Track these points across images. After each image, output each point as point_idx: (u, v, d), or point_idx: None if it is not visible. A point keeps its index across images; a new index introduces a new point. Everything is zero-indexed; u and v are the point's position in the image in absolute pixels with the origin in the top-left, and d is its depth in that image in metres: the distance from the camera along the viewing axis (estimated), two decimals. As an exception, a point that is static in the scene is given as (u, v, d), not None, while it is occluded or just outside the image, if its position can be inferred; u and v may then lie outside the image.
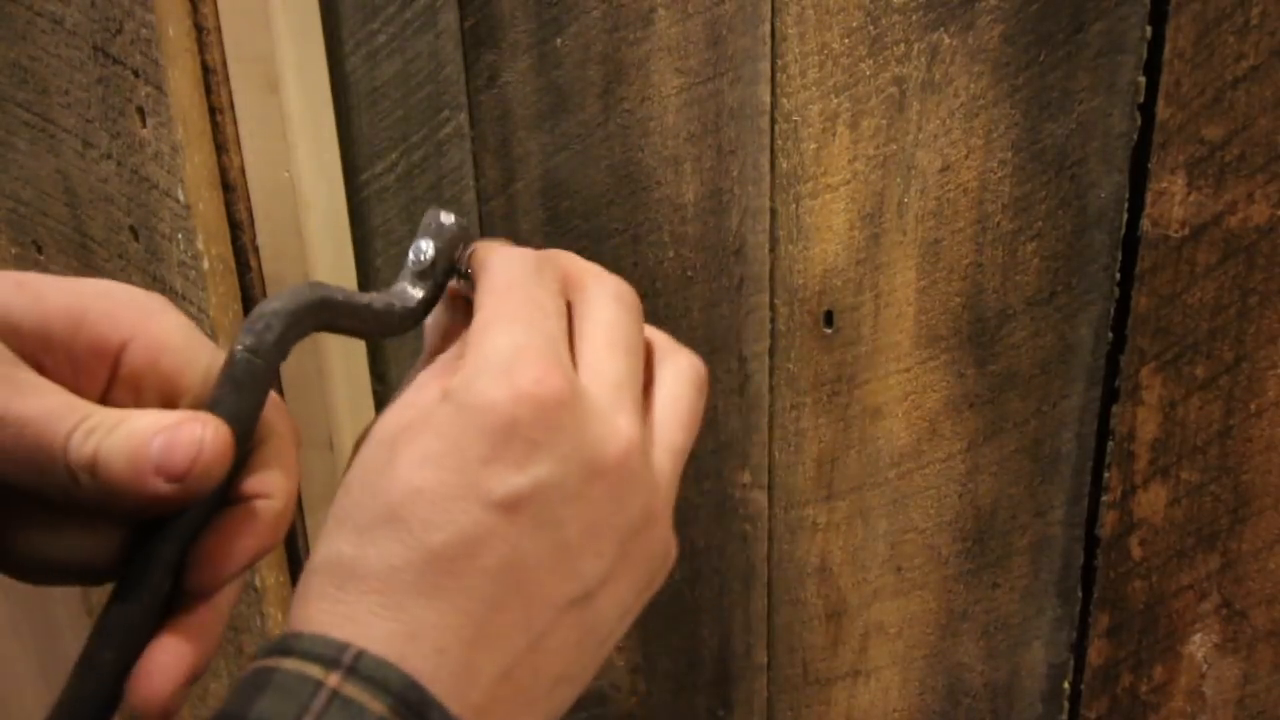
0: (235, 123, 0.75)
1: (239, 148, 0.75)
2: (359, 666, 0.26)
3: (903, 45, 0.63)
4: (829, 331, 0.71)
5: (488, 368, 0.30)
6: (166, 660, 0.27)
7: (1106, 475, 0.67)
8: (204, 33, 0.73)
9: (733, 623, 0.81)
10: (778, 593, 0.79)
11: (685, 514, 0.80)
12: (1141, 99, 0.60)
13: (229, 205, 0.76)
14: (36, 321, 0.27)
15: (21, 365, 0.26)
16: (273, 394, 0.30)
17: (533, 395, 0.29)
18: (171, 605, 0.28)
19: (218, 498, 0.27)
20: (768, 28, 0.65)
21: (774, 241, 0.70)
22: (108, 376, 0.29)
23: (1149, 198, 0.61)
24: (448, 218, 0.35)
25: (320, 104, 0.75)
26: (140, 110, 0.73)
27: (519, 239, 0.76)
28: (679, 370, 0.38)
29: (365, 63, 0.76)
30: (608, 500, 0.33)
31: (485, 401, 0.29)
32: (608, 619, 0.34)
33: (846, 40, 0.64)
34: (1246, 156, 0.58)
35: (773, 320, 0.72)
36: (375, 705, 0.25)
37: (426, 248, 0.35)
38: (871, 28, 0.63)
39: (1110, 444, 0.67)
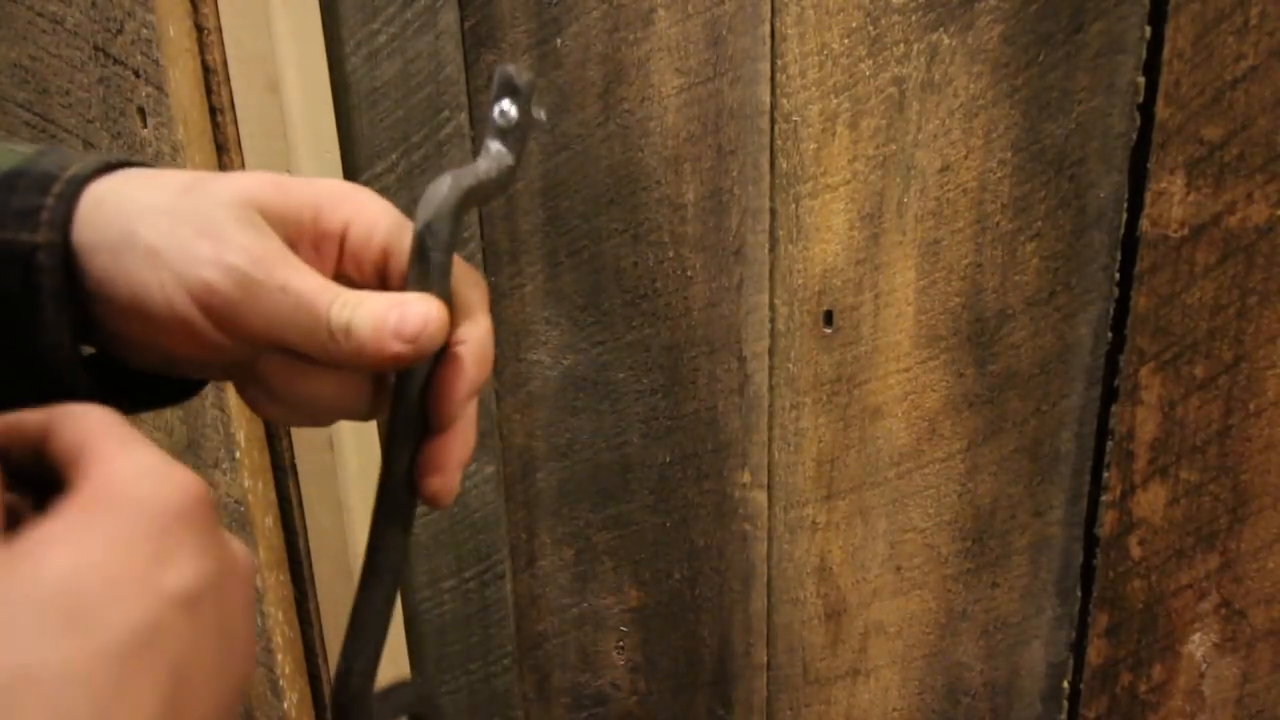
0: (236, 123, 0.75)
1: (239, 148, 0.75)
2: None
3: (902, 45, 0.63)
4: (829, 331, 0.71)
5: (136, 475, 0.28)
6: (438, 458, 0.36)
7: (1106, 475, 0.67)
8: (204, 33, 0.73)
9: (733, 622, 0.81)
10: (777, 592, 0.79)
11: (685, 514, 0.80)
12: (1141, 99, 0.60)
13: (229, 205, 0.76)
14: (290, 213, 0.35)
15: (289, 252, 0.34)
16: (457, 260, 0.37)
17: (192, 490, 0.28)
18: (426, 432, 0.37)
19: (439, 356, 0.36)
20: (768, 28, 0.65)
21: (774, 241, 0.70)
22: (338, 252, 0.37)
23: (1148, 198, 0.61)
24: (522, 74, 0.38)
25: (320, 104, 0.75)
26: (141, 110, 0.74)
27: (519, 239, 0.76)
28: None
29: (365, 63, 0.76)
30: (238, 594, 0.30)
31: (157, 504, 0.27)
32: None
33: (846, 40, 0.64)
34: (1245, 156, 0.59)
35: (773, 320, 0.72)
36: None
37: (509, 108, 0.38)
38: (871, 28, 0.63)
39: (1110, 444, 0.67)
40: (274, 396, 0.37)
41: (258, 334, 0.34)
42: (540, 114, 0.39)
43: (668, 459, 0.78)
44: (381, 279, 0.37)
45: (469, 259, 0.77)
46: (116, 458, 0.28)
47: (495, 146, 0.38)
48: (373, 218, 0.37)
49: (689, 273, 0.73)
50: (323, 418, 0.39)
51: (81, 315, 0.34)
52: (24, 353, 0.34)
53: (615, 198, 0.73)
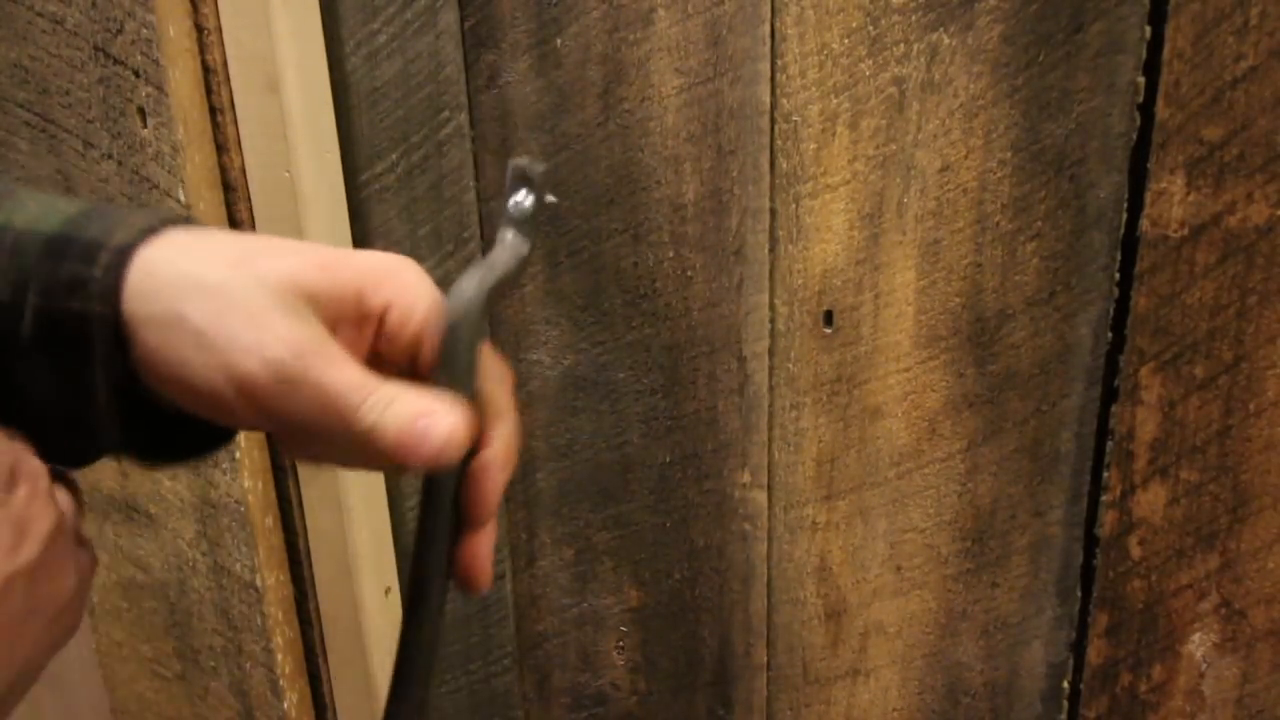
0: (236, 123, 0.75)
1: (239, 148, 0.75)
2: None
3: (902, 45, 0.63)
4: (829, 331, 0.71)
5: None
6: (477, 552, 0.38)
7: (1106, 475, 0.67)
8: (204, 33, 0.73)
9: (733, 622, 0.81)
10: (777, 592, 0.79)
11: (685, 514, 0.80)
12: (1141, 99, 0.60)
13: (229, 205, 0.77)
14: (335, 296, 0.35)
15: (329, 339, 0.35)
16: (486, 352, 0.38)
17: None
18: (460, 528, 0.39)
19: (469, 455, 0.37)
20: (768, 28, 0.65)
21: (774, 241, 0.70)
22: (375, 332, 0.37)
23: (1148, 198, 0.61)
24: (535, 166, 0.39)
25: (320, 104, 0.75)
26: (141, 110, 0.74)
27: (519, 239, 0.76)
28: None
29: (365, 63, 0.76)
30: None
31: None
32: None
33: (846, 40, 0.64)
34: (1245, 156, 0.59)
35: (773, 320, 0.72)
36: None
37: (525, 199, 0.39)
38: (871, 28, 0.63)
39: (1110, 444, 0.67)
40: (307, 454, 0.39)
41: (293, 421, 0.35)
42: (551, 198, 0.40)
43: (668, 459, 0.78)
44: (413, 358, 0.38)
45: (468, 259, 0.77)
46: None
47: (510, 236, 0.39)
48: (412, 299, 0.37)
49: (689, 273, 0.73)
50: (359, 467, 0.41)
51: (127, 379, 0.35)
52: (68, 408, 0.35)
53: (615, 198, 0.73)
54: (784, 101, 0.67)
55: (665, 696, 0.86)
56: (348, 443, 0.35)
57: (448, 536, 0.39)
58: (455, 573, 0.39)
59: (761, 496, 0.76)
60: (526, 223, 0.39)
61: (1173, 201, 0.61)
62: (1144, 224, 0.62)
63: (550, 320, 0.78)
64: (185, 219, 0.37)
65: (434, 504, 0.38)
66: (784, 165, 0.68)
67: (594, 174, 0.73)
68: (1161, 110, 0.59)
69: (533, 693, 0.92)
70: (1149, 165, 0.61)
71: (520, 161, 0.39)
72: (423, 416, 0.35)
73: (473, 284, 0.37)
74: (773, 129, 0.67)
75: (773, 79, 0.66)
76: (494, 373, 0.39)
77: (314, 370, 0.34)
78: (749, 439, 0.75)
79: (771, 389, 0.73)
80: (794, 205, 0.69)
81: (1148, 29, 0.59)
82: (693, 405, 0.76)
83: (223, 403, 0.34)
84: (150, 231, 0.35)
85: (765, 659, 0.81)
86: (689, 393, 0.76)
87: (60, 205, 0.36)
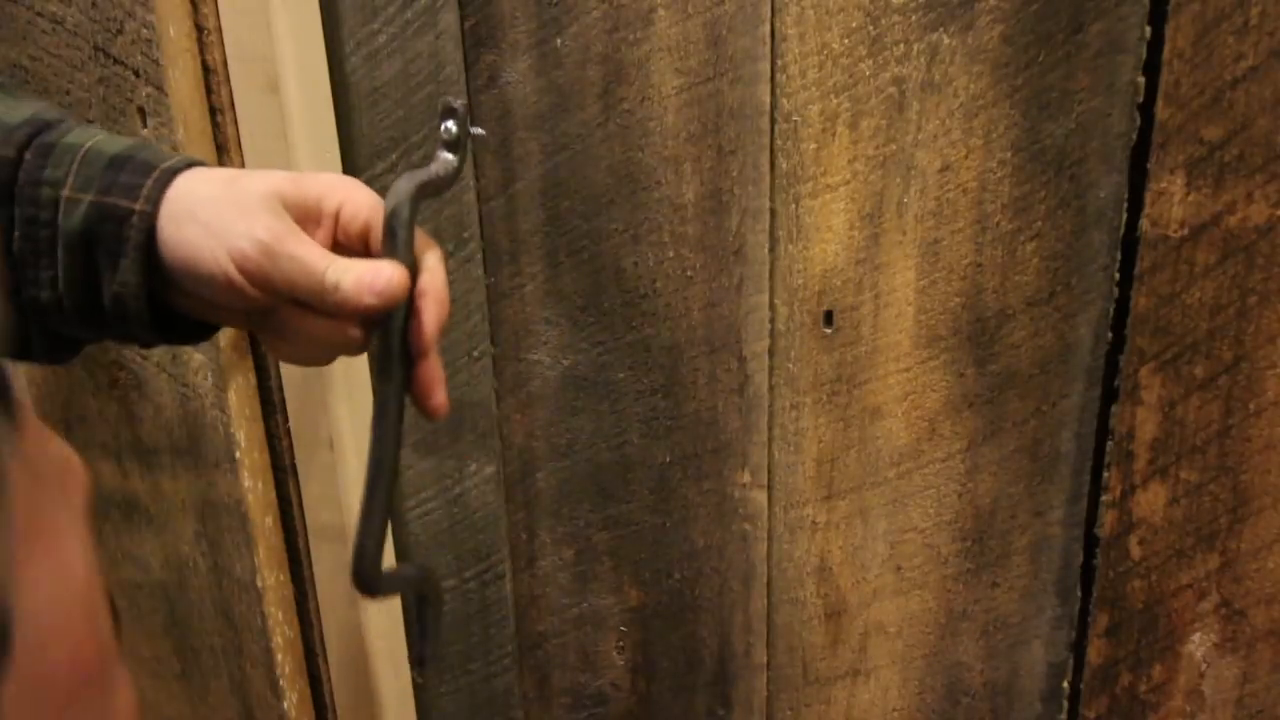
0: (235, 123, 0.75)
1: (239, 147, 0.75)
2: None
3: (902, 45, 0.63)
4: (829, 331, 0.71)
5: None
6: (429, 377, 0.50)
7: (1106, 475, 0.67)
8: (204, 33, 0.73)
9: (733, 622, 0.81)
10: (777, 592, 0.79)
11: (685, 514, 0.80)
12: (1141, 99, 0.60)
13: (229, 205, 0.76)
14: (302, 201, 0.48)
15: (298, 229, 0.48)
16: (419, 233, 0.50)
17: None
18: (410, 360, 0.50)
19: (409, 303, 0.49)
20: (768, 28, 0.65)
21: (774, 241, 0.70)
22: (334, 226, 0.50)
23: (1148, 198, 0.61)
24: (458, 102, 0.52)
25: (320, 104, 0.75)
26: (141, 110, 0.74)
27: (519, 239, 0.76)
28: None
29: (365, 63, 0.76)
30: None
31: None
32: None
33: (846, 40, 0.64)
34: (1245, 156, 0.59)
35: (773, 320, 0.72)
36: None
37: (452, 126, 0.52)
38: (871, 28, 0.63)
39: (1110, 444, 0.67)
40: (286, 338, 0.51)
41: (277, 288, 0.47)
42: (478, 130, 0.54)
43: (667, 459, 0.78)
44: (365, 246, 0.51)
45: (469, 259, 0.77)
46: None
47: (443, 155, 0.53)
48: (358, 202, 0.51)
49: (689, 273, 0.73)
50: (323, 356, 0.53)
51: (151, 267, 0.46)
52: (102, 292, 0.47)
53: (615, 198, 0.73)
54: (784, 101, 0.67)
55: (665, 696, 0.86)
56: (319, 302, 0.47)
57: (401, 371, 0.50)
58: (415, 398, 0.51)
59: (761, 496, 0.76)
60: (454, 145, 0.52)
61: (1173, 201, 0.61)
62: (1144, 224, 0.62)
63: (550, 320, 0.78)
64: (202, 161, 0.51)
65: (387, 346, 0.50)
66: (784, 165, 0.68)
67: (594, 174, 0.73)
68: (1161, 110, 0.59)
69: (533, 693, 0.92)
70: (1149, 165, 0.61)
71: (447, 99, 0.53)
72: (373, 269, 0.47)
73: (406, 182, 0.50)
74: (773, 129, 0.67)
75: (773, 79, 0.66)
76: (426, 246, 0.52)
77: (288, 245, 0.47)
78: (749, 439, 0.75)
79: (771, 389, 0.73)
80: (794, 205, 0.69)
81: (1148, 29, 0.59)
82: (693, 405, 0.76)
83: (224, 277, 0.45)
84: (187, 164, 0.49)
85: (765, 659, 0.81)
86: (689, 393, 0.76)
87: (120, 138, 0.50)
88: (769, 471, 0.76)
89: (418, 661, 0.64)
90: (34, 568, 0.27)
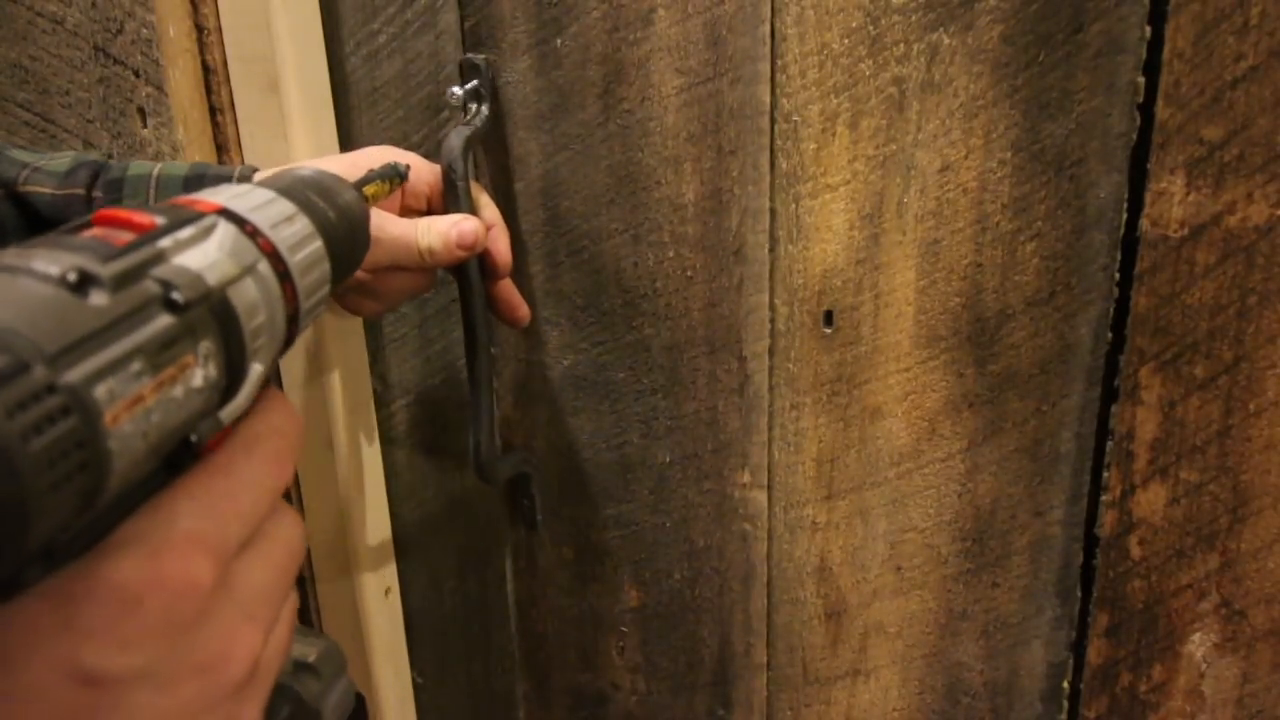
0: (235, 123, 0.75)
1: (239, 148, 0.75)
2: None
3: (902, 45, 0.63)
4: (829, 331, 0.71)
5: (137, 542, 0.28)
6: (509, 294, 0.70)
7: (1106, 475, 0.67)
8: (204, 33, 0.73)
9: (733, 622, 0.81)
10: (777, 592, 0.79)
11: (685, 514, 0.80)
12: (1141, 99, 0.60)
13: (229, 205, 0.76)
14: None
15: (382, 211, 0.61)
16: (472, 183, 0.66)
17: (169, 582, 0.28)
18: (490, 284, 0.69)
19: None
20: (768, 28, 0.65)
21: (774, 241, 0.70)
22: (402, 194, 0.64)
23: (1148, 198, 0.61)
24: (480, 58, 0.66)
25: (320, 104, 0.75)
26: (141, 110, 0.74)
27: (519, 239, 0.76)
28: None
29: (365, 63, 0.76)
30: (195, 701, 0.30)
31: (118, 578, 0.27)
32: None
33: (846, 40, 0.64)
34: (1245, 156, 0.59)
35: (773, 320, 0.72)
36: None
37: (482, 83, 0.68)
38: (871, 28, 0.63)
39: (1110, 444, 0.67)
40: (379, 297, 0.64)
41: (380, 262, 0.60)
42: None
43: (667, 459, 0.78)
44: (429, 203, 0.65)
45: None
46: (161, 509, 0.33)
47: (478, 108, 0.67)
48: (418, 169, 0.64)
49: (689, 273, 0.73)
50: (405, 302, 0.70)
51: None
52: None
53: (615, 198, 0.73)
54: (784, 101, 0.67)
55: (665, 696, 0.86)
56: (415, 263, 0.61)
57: (483, 292, 0.66)
58: (501, 315, 0.69)
59: (761, 496, 0.76)
60: (482, 97, 0.66)
61: (1173, 201, 0.61)
62: (1144, 224, 0.62)
63: (550, 320, 0.78)
64: (258, 169, 0.63)
65: (467, 279, 0.65)
66: (784, 165, 0.68)
67: (594, 174, 0.73)
68: (1161, 110, 0.59)
69: (533, 693, 0.92)
70: (1149, 165, 0.61)
71: (469, 56, 0.67)
72: (454, 225, 0.61)
73: (455, 138, 0.64)
74: (773, 129, 0.67)
75: (773, 79, 0.66)
76: (478, 193, 0.65)
77: (387, 228, 0.60)
78: (749, 439, 0.75)
79: (771, 389, 0.73)
80: (794, 205, 0.69)
81: (1148, 29, 0.59)
82: (693, 405, 0.76)
83: None
84: (252, 171, 0.61)
85: (765, 659, 0.81)
86: (689, 393, 0.76)
87: (178, 162, 0.61)
88: (769, 471, 0.76)
89: (529, 524, 0.82)
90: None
